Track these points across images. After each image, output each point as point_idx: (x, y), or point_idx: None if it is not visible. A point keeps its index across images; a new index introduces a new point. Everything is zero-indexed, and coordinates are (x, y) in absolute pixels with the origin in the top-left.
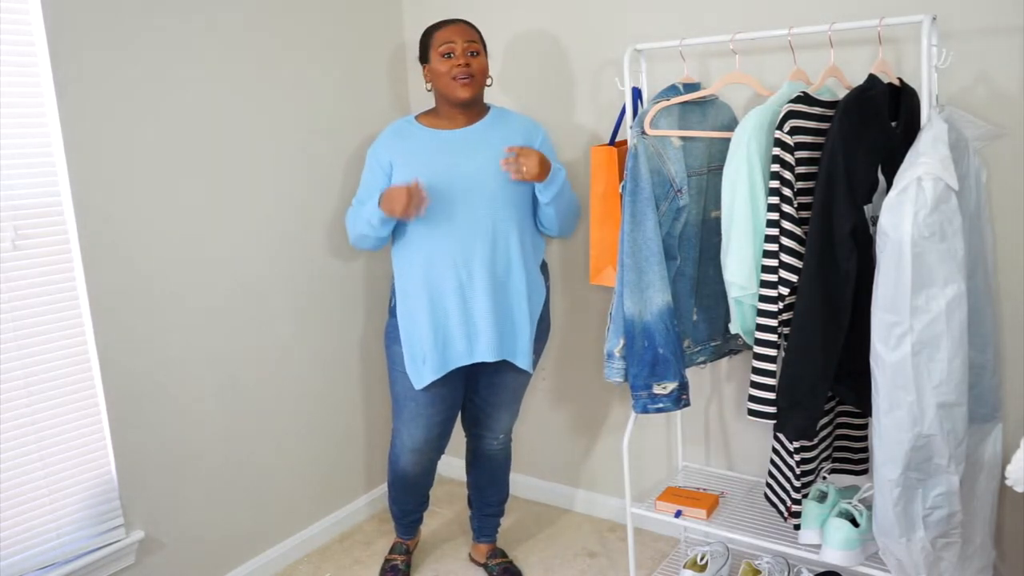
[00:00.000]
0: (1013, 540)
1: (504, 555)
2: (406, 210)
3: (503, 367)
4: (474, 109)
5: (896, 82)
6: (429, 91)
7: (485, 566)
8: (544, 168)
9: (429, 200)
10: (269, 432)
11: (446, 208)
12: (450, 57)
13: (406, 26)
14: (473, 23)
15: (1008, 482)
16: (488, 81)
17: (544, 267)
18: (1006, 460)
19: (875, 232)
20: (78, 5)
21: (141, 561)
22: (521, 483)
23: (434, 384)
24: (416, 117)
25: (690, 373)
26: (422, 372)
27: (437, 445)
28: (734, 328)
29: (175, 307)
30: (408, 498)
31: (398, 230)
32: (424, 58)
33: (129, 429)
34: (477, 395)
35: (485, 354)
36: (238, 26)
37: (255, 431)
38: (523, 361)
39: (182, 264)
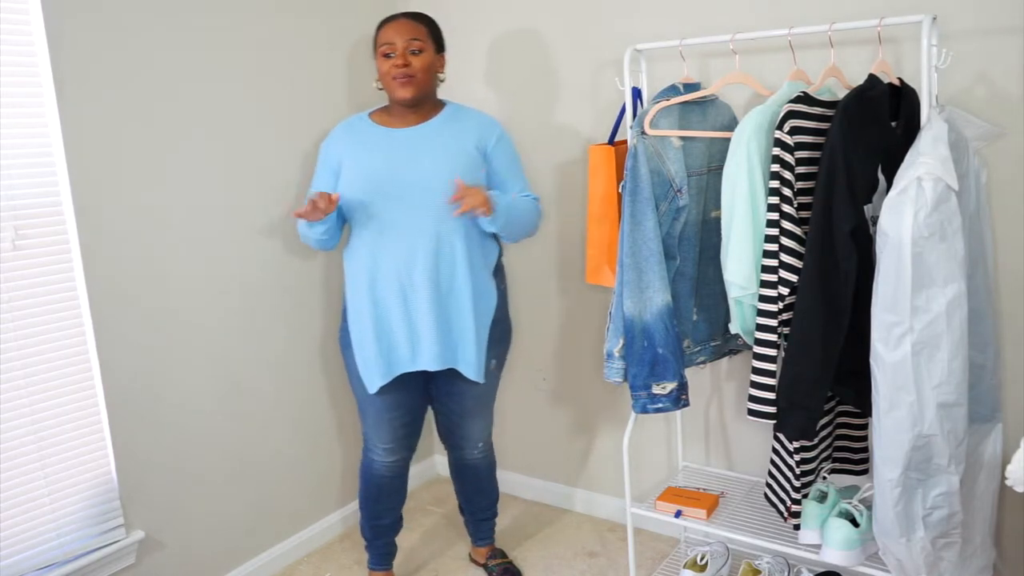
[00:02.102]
0: (1013, 540)
1: (504, 555)
2: (307, 215)
3: (457, 375)
4: (425, 107)
5: (896, 82)
6: (380, 90)
7: (485, 566)
8: (489, 204)
9: (332, 209)
10: (269, 432)
11: (391, 210)
12: (390, 57)
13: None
14: (425, 15)
15: (1008, 482)
16: (440, 77)
17: (499, 270)
18: (1006, 460)
19: (875, 232)
20: (78, 5)
21: (141, 561)
22: (521, 483)
23: (391, 389)
24: (370, 114)
25: (690, 373)
26: (372, 377)
27: (407, 444)
28: (734, 328)
29: (175, 307)
30: (382, 508)
31: (348, 232)
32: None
33: (129, 429)
34: (439, 403)
35: (428, 363)
36: (239, 26)
37: (255, 431)
38: (469, 370)
39: (182, 264)
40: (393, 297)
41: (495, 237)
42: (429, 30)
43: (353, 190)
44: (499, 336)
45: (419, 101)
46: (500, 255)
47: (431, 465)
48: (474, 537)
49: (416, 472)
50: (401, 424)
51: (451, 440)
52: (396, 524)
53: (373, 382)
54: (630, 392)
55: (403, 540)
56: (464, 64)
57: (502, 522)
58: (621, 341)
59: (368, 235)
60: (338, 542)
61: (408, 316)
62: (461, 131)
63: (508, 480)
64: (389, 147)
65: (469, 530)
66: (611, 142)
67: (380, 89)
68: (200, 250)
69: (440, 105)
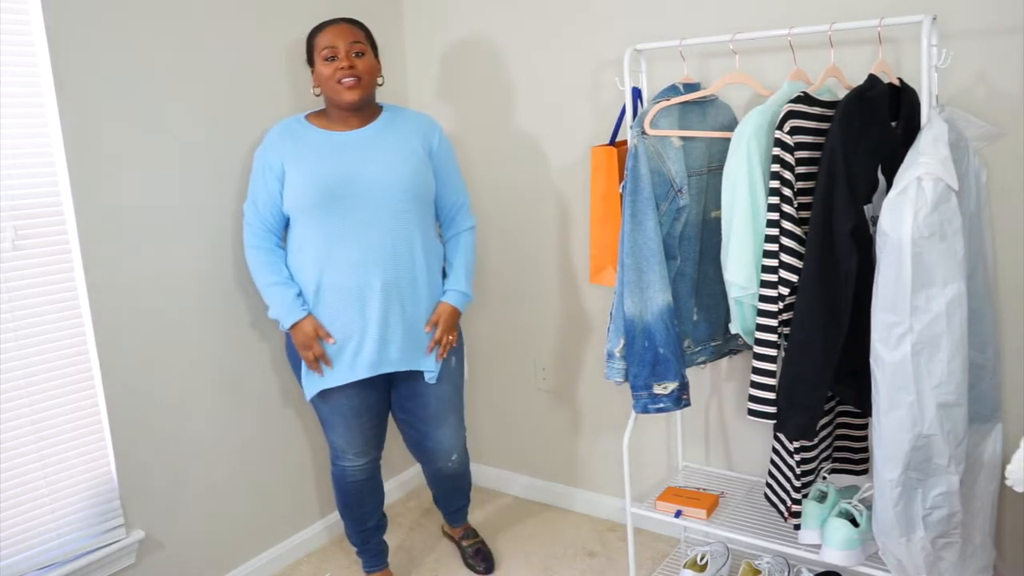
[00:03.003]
0: (1013, 540)
1: (476, 535)
2: (306, 352)
3: (420, 378)
4: (367, 110)
5: (896, 82)
6: (317, 95)
7: (458, 544)
8: (456, 327)
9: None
10: (269, 431)
11: (344, 215)
12: (333, 60)
13: (406, 28)
14: (359, 21)
15: (1008, 482)
16: (379, 80)
17: (443, 270)
18: (1006, 460)
19: (875, 232)
20: (78, 5)
21: (141, 561)
22: (521, 482)
23: (355, 396)
24: (306, 116)
25: (690, 373)
26: (333, 375)
27: (376, 443)
28: (734, 328)
29: (175, 307)
30: (365, 512)
31: (291, 233)
32: (310, 62)
33: (129, 429)
34: (403, 413)
35: (394, 364)
36: (240, 26)
37: (255, 431)
38: (430, 369)
39: (182, 264)
40: (349, 302)
41: (439, 237)
42: (366, 34)
43: (302, 196)
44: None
45: (363, 104)
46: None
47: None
48: (450, 521)
49: (397, 484)
50: (371, 427)
51: (423, 454)
52: (381, 523)
53: (333, 379)
54: (631, 392)
55: (393, 539)
56: (465, 64)
57: (502, 522)
58: (622, 341)
59: (317, 242)
60: (338, 542)
61: (366, 320)
62: (405, 131)
63: (508, 480)
64: (338, 151)
65: (444, 515)
66: (612, 142)
67: (318, 95)
68: (200, 250)
69: (378, 108)
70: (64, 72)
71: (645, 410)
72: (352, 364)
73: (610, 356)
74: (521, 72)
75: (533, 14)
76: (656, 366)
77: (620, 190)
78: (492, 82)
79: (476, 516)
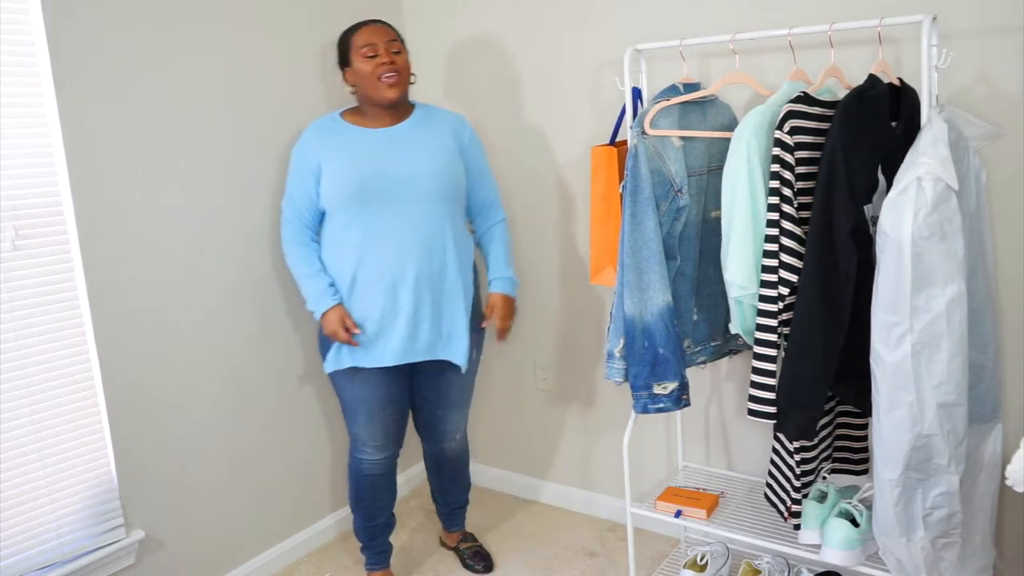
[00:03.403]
0: (1013, 540)
1: (474, 539)
2: (335, 338)
3: (444, 367)
4: (400, 108)
5: (896, 82)
6: (352, 94)
7: (456, 549)
8: (512, 303)
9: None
10: (269, 431)
11: (379, 209)
12: (374, 57)
13: (405, 28)
14: (390, 23)
15: (1008, 482)
16: (412, 78)
17: (473, 263)
18: (1006, 460)
19: (875, 232)
20: (78, 5)
21: (141, 561)
22: (520, 483)
23: (380, 385)
24: (341, 114)
25: (690, 373)
26: (344, 357)
27: (396, 439)
28: (734, 328)
29: (175, 307)
30: (376, 508)
31: (326, 228)
32: (344, 62)
33: (129, 429)
34: (422, 398)
35: (423, 353)
36: (239, 26)
37: (255, 431)
38: (460, 358)
39: (182, 264)
40: (382, 293)
41: (470, 232)
42: (398, 33)
43: (338, 191)
44: (475, 326)
45: (401, 101)
46: (473, 252)
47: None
48: (446, 524)
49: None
50: (393, 421)
51: (432, 433)
52: (390, 523)
53: (360, 359)
54: (631, 392)
55: (395, 540)
56: (464, 65)
57: (503, 522)
58: (622, 341)
59: (352, 235)
60: (338, 542)
61: (398, 310)
62: (437, 128)
63: (508, 479)
64: (372, 147)
65: (441, 518)
66: (612, 142)
67: (352, 94)
68: (200, 250)
69: (411, 106)
70: (64, 72)
71: (645, 410)
72: (382, 351)
73: (610, 356)
74: (521, 72)
75: (533, 14)
76: (656, 366)
77: (620, 190)
78: (492, 83)
79: (476, 516)
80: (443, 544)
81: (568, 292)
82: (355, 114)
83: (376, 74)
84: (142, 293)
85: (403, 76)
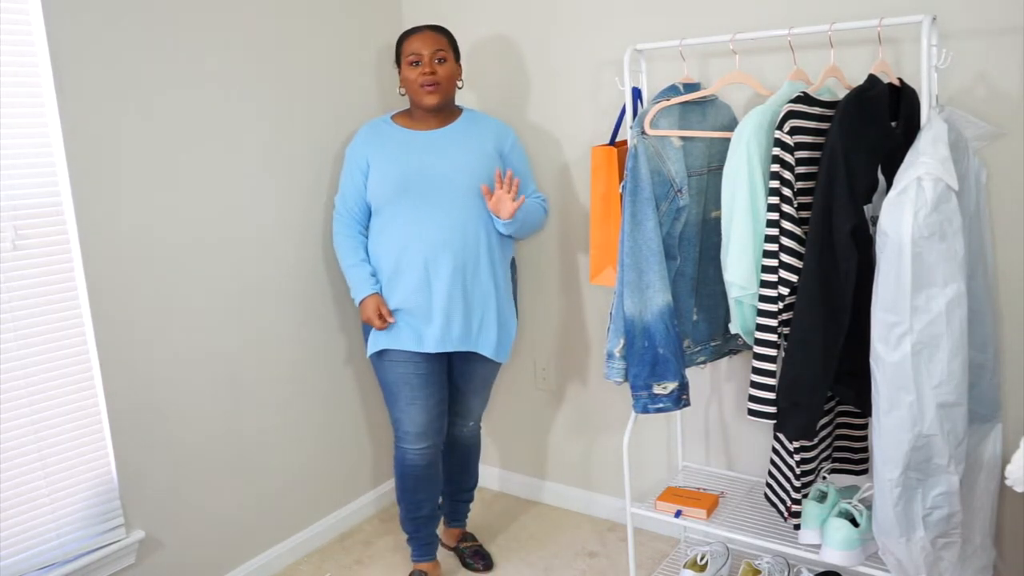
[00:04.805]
0: (1013, 540)
1: (474, 538)
2: (370, 323)
3: (474, 357)
4: (446, 112)
5: (896, 82)
6: (403, 95)
7: (456, 549)
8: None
9: (391, 322)
10: (269, 431)
11: (419, 205)
12: (417, 65)
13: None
14: (444, 28)
15: (1008, 482)
16: (459, 84)
17: (513, 263)
18: (1006, 460)
19: (875, 232)
20: (78, 5)
21: (141, 561)
22: (521, 483)
23: (419, 369)
24: (392, 117)
25: (690, 373)
26: (381, 338)
27: (437, 427)
28: (734, 328)
29: (175, 307)
30: (420, 499)
31: (374, 223)
32: (398, 63)
33: (129, 429)
34: (450, 383)
35: (455, 344)
36: (238, 26)
37: (255, 431)
38: (490, 351)
39: (182, 263)
40: (421, 284)
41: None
42: (449, 41)
43: (382, 188)
44: (507, 318)
45: (443, 107)
46: (513, 249)
47: None
48: (449, 518)
49: None
50: (434, 404)
51: (450, 416)
52: (434, 514)
53: (397, 342)
54: (631, 392)
55: (396, 539)
56: (464, 65)
57: (503, 521)
58: (622, 341)
59: (395, 229)
60: (338, 542)
61: (433, 301)
62: (480, 134)
63: (508, 479)
64: (417, 148)
65: (444, 511)
66: (612, 142)
67: (403, 95)
68: (200, 250)
69: (458, 111)
70: (64, 72)
71: (645, 410)
72: (420, 337)
73: (610, 356)
74: (520, 72)
75: (532, 14)
76: (656, 366)
77: (620, 190)
78: (491, 83)
79: (476, 516)
80: (443, 544)
81: (568, 292)
82: (405, 116)
83: (418, 82)
84: (142, 293)
85: (443, 86)
